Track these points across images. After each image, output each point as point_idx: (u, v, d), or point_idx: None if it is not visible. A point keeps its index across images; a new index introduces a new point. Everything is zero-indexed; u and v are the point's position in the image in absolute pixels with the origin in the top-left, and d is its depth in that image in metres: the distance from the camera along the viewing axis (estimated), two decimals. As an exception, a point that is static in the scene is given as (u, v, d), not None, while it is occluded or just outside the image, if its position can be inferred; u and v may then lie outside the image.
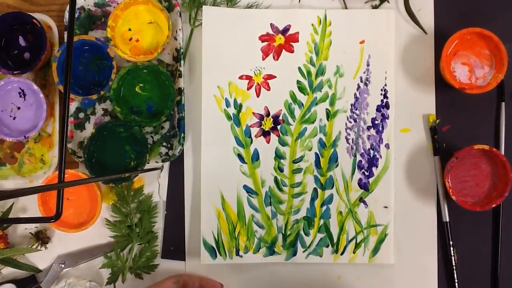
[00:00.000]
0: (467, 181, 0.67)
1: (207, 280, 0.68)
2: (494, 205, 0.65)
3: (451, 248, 0.68)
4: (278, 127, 0.70)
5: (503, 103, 0.70)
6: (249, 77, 0.70)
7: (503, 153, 0.69)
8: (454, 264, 0.68)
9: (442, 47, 0.67)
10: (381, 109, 0.70)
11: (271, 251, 0.69)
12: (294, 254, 0.69)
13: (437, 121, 0.70)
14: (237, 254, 0.69)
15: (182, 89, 0.70)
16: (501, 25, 0.70)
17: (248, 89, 0.70)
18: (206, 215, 0.69)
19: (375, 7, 0.71)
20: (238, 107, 0.70)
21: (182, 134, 0.69)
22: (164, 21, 0.69)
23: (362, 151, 0.70)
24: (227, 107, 0.70)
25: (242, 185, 0.69)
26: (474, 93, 0.66)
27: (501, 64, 0.66)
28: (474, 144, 0.65)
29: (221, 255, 0.69)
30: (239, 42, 0.70)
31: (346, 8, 0.71)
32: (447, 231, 0.69)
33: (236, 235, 0.69)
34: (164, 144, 0.71)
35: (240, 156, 0.69)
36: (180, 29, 0.70)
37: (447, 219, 0.69)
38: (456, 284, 0.68)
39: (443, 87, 0.70)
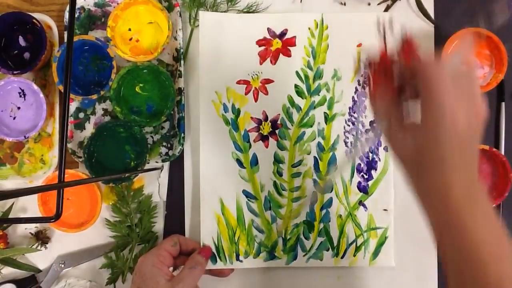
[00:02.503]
0: (467, 181, 0.67)
1: (197, 244, 0.67)
2: (494, 205, 0.65)
3: (451, 248, 0.68)
4: (277, 131, 0.70)
5: (503, 103, 0.70)
6: (246, 82, 0.70)
7: (503, 153, 0.68)
8: (454, 264, 0.68)
9: (442, 47, 0.67)
10: (380, 111, 0.70)
11: (271, 256, 0.69)
12: (295, 258, 0.69)
13: (437, 121, 0.70)
14: (237, 259, 0.69)
15: (182, 89, 0.70)
16: (501, 25, 0.70)
17: (246, 93, 0.70)
18: (206, 221, 0.68)
19: (389, 6, 0.71)
20: (236, 112, 0.70)
21: (182, 134, 0.69)
22: (164, 21, 0.70)
23: (361, 154, 0.69)
24: (225, 112, 0.70)
25: (241, 190, 0.69)
26: (474, 93, 0.66)
27: (501, 64, 0.66)
28: (474, 144, 0.65)
29: (221, 260, 0.68)
30: (236, 47, 0.70)
31: (344, 5, 0.71)
32: (447, 231, 0.69)
33: (236, 240, 0.69)
34: (164, 144, 0.71)
35: (239, 161, 0.69)
36: (180, 29, 0.70)
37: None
38: (456, 284, 0.68)
39: (443, 87, 0.70)
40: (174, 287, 0.59)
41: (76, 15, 0.71)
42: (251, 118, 0.70)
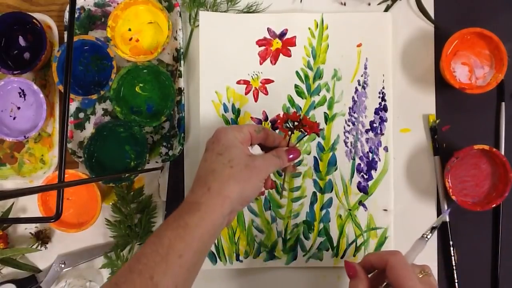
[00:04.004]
0: (467, 181, 0.67)
1: (284, 143, 0.61)
2: (494, 205, 0.65)
3: (451, 248, 0.68)
4: (277, 131, 0.69)
5: (503, 103, 0.70)
6: (246, 82, 0.70)
7: (503, 153, 0.69)
8: (454, 264, 0.68)
9: (442, 47, 0.67)
10: (379, 112, 0.70)
11: (271, 256, 0.69)
12: (294, 258, 0.69)
13: (437, 121, 0.70)
14: (237, 259, 0.69)
15: (182, 89, 0.70)
16: (501, 25, 0.70)
17: (246, 93, 0.70)
18: None
19: (389, 6, 0.71)
20: (237, 112, 0.70)
21: (182, 134, 0.69)
22: (164, 21, 0.70)
23: (361, 154, 0.69)
24: (225, 112, 0.70)
25: None
26: (474, 93, 0.66)
27: (501, 64, 0.66)
28: (474, 144, 0.65)
29: (221, 260, 0.68)
30: (236, 47, 0.70)
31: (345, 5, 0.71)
32: (447, 231, 0.69)
33: (236, 240, 0.69)
34: (164, 144, 0.71)
35: None
36: (180, 29, 0.70)
37: (447, 219, 0.69)
38: (456, 284, 0.68)
39: (443, 87, 0.70)
40: (253, 162, 0.54)
41: (76, 15, 0.71)
42: (251, 118, 0.70)
